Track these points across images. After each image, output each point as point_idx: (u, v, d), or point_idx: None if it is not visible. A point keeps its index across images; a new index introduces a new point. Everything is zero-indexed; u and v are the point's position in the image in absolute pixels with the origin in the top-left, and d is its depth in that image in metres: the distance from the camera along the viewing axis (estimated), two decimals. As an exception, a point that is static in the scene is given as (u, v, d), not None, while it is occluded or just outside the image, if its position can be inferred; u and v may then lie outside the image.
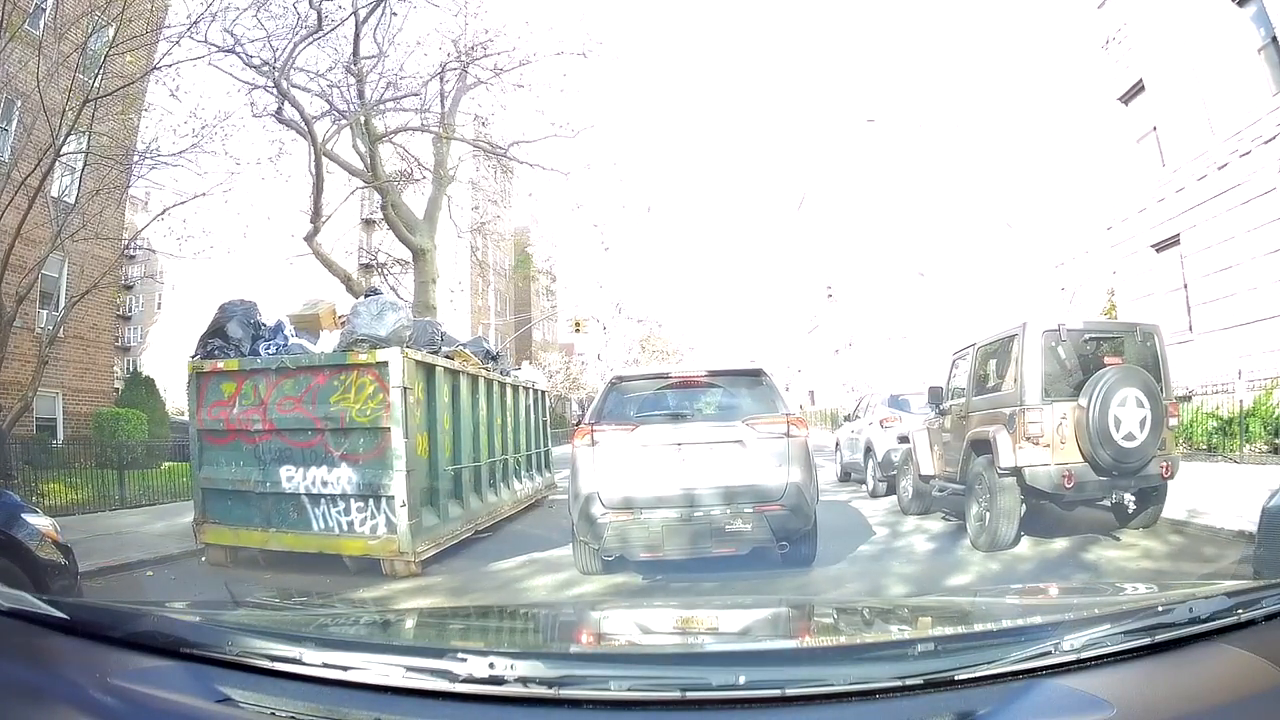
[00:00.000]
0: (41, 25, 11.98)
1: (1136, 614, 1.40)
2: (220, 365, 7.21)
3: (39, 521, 4.33)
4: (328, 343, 7.46)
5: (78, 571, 4.74)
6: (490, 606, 4.44)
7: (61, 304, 14.57)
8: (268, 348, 7.38)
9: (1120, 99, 16.69)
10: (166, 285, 38.76)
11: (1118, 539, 6.79)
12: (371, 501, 6.69)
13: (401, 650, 1.57)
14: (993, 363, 7.26)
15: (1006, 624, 1.83)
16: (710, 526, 5.54)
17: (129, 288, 40.63)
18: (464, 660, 1.30)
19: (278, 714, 1.29)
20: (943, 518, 8.51)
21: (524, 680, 1.27)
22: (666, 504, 5.59)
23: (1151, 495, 6.81)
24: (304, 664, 1.38)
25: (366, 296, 8.20)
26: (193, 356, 7.49)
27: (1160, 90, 15.32)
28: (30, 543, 4.12)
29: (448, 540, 7.41)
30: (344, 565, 6.75)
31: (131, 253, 28.99)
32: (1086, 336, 6.68)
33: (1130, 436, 6.16)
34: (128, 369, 32.66)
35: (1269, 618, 1.39)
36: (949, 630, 1.93)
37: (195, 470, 7.43)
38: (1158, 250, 15.88)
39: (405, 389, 6.65)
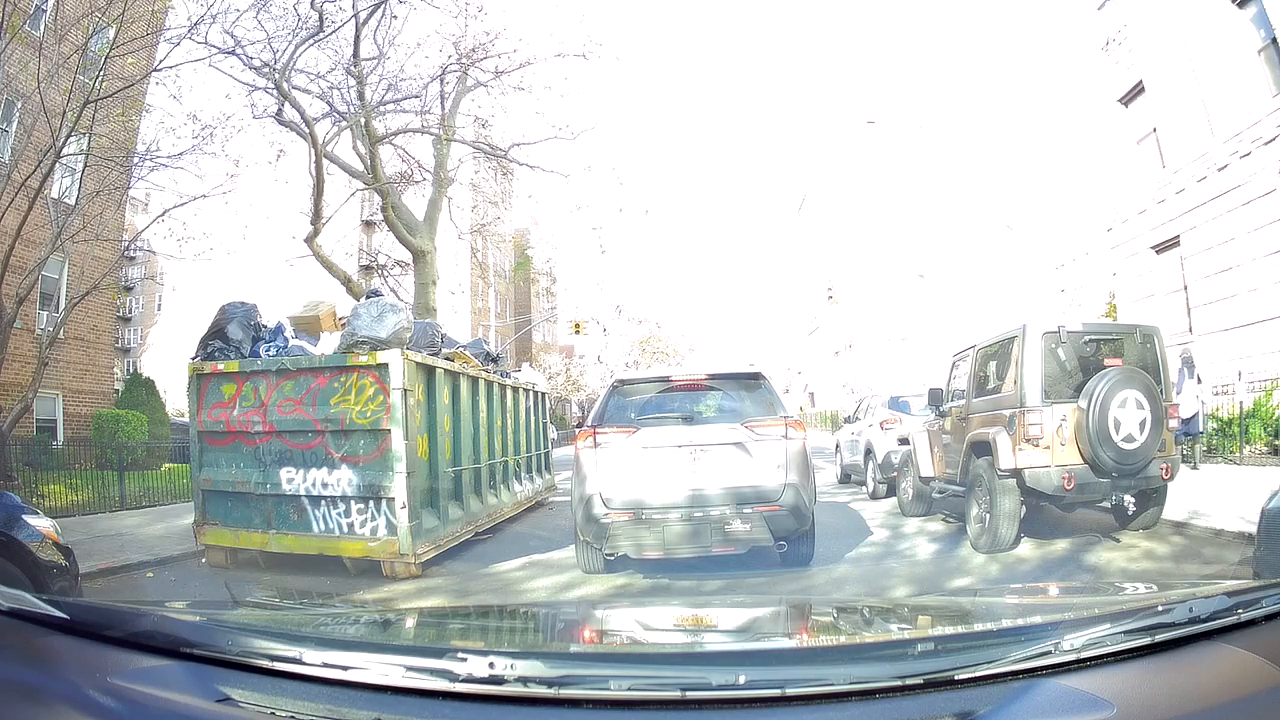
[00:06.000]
0: (42, 26, 11.99)
1: (1136, 614, 1.40)
2: (220, 367, 7.20)
3: (39, 523, 4.34)
4: (328, 344, 7.45)
5: (78, 573, 4.74)
6: (490, 606, 4.45)
7: (61, 305, 14.57)
8: (268, 349, 7.38)
9: (1120, 100, 16.71)
10: (167, 287, 38.72)
11: (1118, 540, 6.79)
12: (372, 503, 6.68)
13: (401, 650, 1.57)
14: (993, 364, 7.26)
15: (1006, 624, 1.84)
16: (710, 526, 5.60)
17: (129, 289, 40.62)
18: (464, 660, 1.30)
19: (278, 714, 1.29)
20: (943, 519, 8.51)
21: (524, 680, 1.27)
22: (667, 504, 5.66)
23: (1152, 497, 6.81)
24: (304, 664, 1.38)
25: (367, 298, 8.19)
26: (193, 358, 7.48)
27: (1160, 92, 15.33)
28: (31, 544, 4.12)
29: (448, 542, 7.40)
30: (344, 567, 6.74)
31: (132, 254, 29.00)
32: (1086, 338, 6.67)
33: (1130, 438, 6.16)
34: (128, 370, 32.66)
35: (1269, 618, 1.39)
36: (949, 630, 1.93)
37: (195, 472, 7.41)
38: (1158, 252, 15.89)
39: (406, 391, 6.65)
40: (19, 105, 13.14)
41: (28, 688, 1.36)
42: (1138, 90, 16.10)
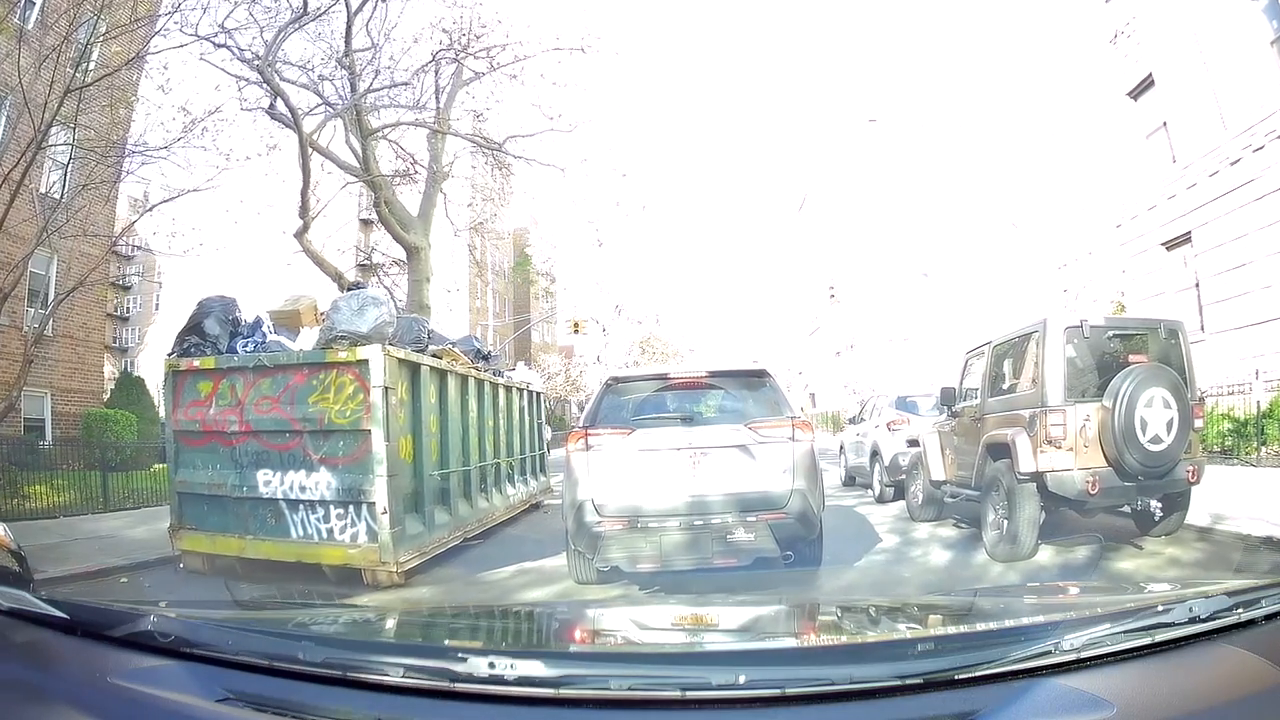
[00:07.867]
0: (31, 19, 11.73)
1: (1137, 614, 1.40)
2: (196, 363, 6.89)
3: (-14, 527, 4.03)
4: (307, 340, 7.13)
5: (32, 579, 4.44)
6: (490, 606, 4.31)
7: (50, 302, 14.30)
8: (245, 345, 7.05)
9: (1129, 94, 16.44)
10: (163, 285, 38.56)
11: (1140, 547, 6.44)
12: (352, 508, 6.33)
13: (401, 650, 1.61)
14: (1009, 362, 6.92)
15: (1007, 623, 1.83)
16: (711, 536, 5.20)
17: (127, 289, 40.41)
18: (464, 660, 1.33)
19: (278, 714, 1.31)
20: (954, 524, 8.15)
21: (524, 680, 1.28)
22: (665, 512, 5.26)
23: (1176, 501, 6.45)
24: (304, 663, 1.39)
25: (348, 290, 7.85)
26: (169, 354, 7.19)
27: (1170, 85, 15.04)
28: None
29: (434, 549, 7.04)
30: (324, 575, 6.38)
31: (128, 253, 28.74)
32: (1109, 333, 6.33)
33: (1157, 439, 5.80)
34: (125, 370, 32.44)
35: (1269, 618, 1.40)
36: (949, 629, 1.94)
37: (171, 473, 7.14)
38: (1168, 248, 15.60)
39: (387, 389, 6.30)
40: (8, 100, 12.85)
41: (28, 688, 1.38)
42: (1147, 83, 15.81)
